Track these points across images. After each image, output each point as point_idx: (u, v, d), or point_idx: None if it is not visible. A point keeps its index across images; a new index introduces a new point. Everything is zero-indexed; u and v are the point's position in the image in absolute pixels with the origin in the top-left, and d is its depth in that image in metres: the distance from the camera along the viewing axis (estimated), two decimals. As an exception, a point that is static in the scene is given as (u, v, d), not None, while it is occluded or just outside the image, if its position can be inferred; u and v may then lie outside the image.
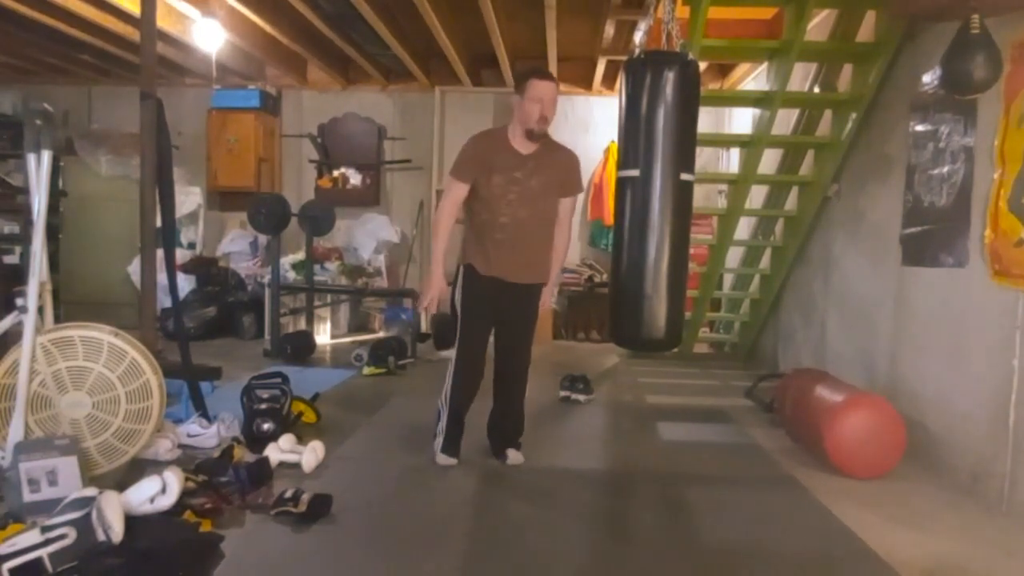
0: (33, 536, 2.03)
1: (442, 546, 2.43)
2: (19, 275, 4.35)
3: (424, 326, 6.46)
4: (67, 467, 2.54)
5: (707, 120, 4.92)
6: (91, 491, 2.26)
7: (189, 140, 7.58)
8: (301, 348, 5.69)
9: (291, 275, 6.67)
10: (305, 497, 2.57)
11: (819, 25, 4.67)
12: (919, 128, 3.60)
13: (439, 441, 3.24)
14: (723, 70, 7.08)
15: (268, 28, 5.85)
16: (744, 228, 5.80)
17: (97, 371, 2.76)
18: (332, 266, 7.07)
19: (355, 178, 7.75)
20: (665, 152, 3.09)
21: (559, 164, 3.20)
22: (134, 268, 6.70)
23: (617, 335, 3.42)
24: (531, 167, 3.11)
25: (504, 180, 3.08)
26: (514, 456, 3.32)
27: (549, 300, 3.42)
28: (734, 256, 5.79)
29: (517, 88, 3.10)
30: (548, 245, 3.26)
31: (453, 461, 3.22)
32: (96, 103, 7.87)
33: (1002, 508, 2.83)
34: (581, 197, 3.35)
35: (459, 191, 3.13)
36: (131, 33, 5.60)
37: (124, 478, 2.73)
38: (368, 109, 7.74)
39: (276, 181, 7.87)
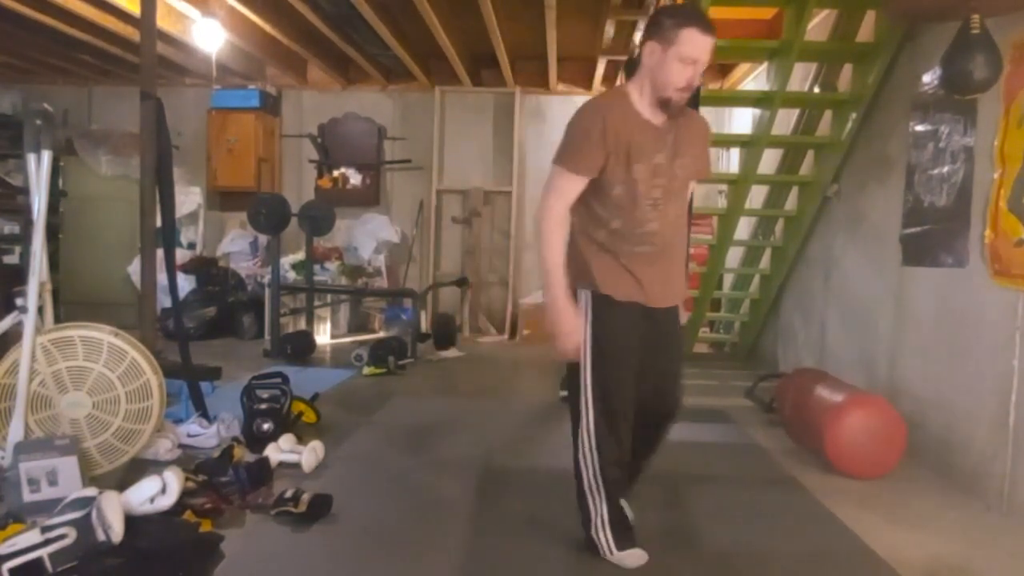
0: (33, 536, 2.03)
1: (442, 546, 2.43)
2: (19, 275, 4.35)
3: (425, 326, 6.47)
4: (67, 467, 2.54)
5: (707, 120, 4.91)
6: (91, 491, 2.26)
7: (189, 140, 7.58)
8: (301, 348, 5.69)
9: (291, 275, 6.67)
10: (305, 497, 2.57)
11: (819, 25, 4.67)
12: (919, 128, 3.60)
13: (606, 537, 2.28)
14: (723, 70, 7.08)
15: (268, 28, 5.85)
16: (744, 228, 5.79)
17: (97, 371, 2.76)
18: (332, 266, 7.07)
19: (355, 178, 7.75)
20: (665, 152, 3.08)
21: (696, 138, 2.35)
22: (134, 268, 6.70)
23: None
24: (671, 146, 2.25)
25: (647, 170, 2.21)
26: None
27: (684, 318, 2.58)
28: (734, 256, 5.79)
29: (655, 35, 2.16)
30: (685, 251, 2.48)
31: (642, 555, 2.30)
32: (96, 103, 7.87)
33: (1002, 508, 2.83)
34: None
35: (574, 187, 2.23)
36: (131, 33, 5.60)
37: (124, 478, 2.73)
38: (368, 109, 7.74)
39: (276, 181, 7.87)
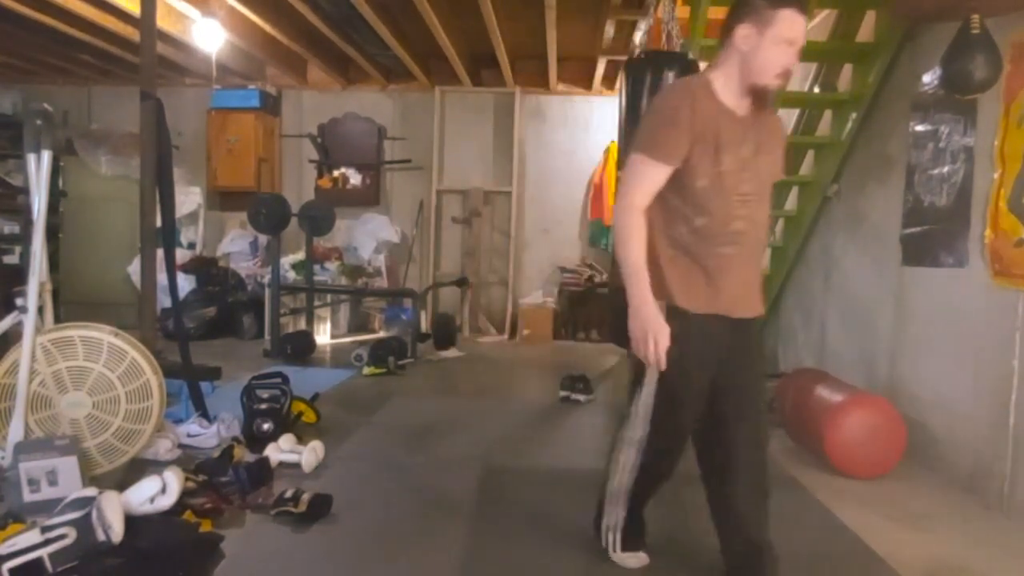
0: (33, 536, 2.03)
1: (442, 546, 2.43)
2: (19, 275, 4.35)
3: (425, 326, 6.47)
4: (67, 467, 2.54)
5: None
6: (91, 491, 2.26)
7: (189, 140, 7.58)
8: (301, 348, 5.70)
9: (291, 275, 6.67)
10: (305, 497, 2.57)
11: (819, 25, 4.67)
12: (919, 128, 3.60)
13: (614, 537, 2.28)
14: (723, 70, 7.07)
15: (268, 28, 5.85)
16: (744, 228, 5.79)
17: (97, 371, 2.76)
18: (332, 266, 7.07)
19: (355, 178, 7.75)
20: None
21: (775, 137, 2.19)
22: (134, 268, 6.71)
23: (617, 335, 3.41)
24: (753, 139, 2.07)
25: (735, 162, 2.03)
26: None
27: None
28: (734, 256, 5.78)
29: (748, 18, 1.99)
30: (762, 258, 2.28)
31: (644, 557, 2.34)
32: (96, 103, 7.87)
33: (1002, 508, 2.83)
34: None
35: (658, 178, 2.02)
36: (131, 33, 5.60)
37: (124, 478, 2.73)
38: (368, 109, 7.74)
39: (276, 181, 7.87)
